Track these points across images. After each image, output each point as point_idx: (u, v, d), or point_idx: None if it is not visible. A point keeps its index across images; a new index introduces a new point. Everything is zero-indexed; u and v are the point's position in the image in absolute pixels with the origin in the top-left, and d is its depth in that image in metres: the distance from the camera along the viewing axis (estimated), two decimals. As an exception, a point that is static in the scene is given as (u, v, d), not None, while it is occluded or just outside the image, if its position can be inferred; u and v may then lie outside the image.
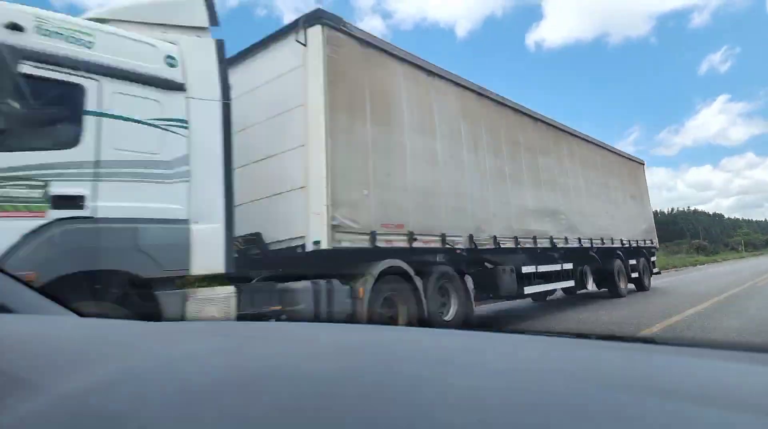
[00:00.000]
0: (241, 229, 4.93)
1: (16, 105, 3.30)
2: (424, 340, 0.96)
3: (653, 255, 13.71)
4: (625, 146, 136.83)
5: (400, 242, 5.93)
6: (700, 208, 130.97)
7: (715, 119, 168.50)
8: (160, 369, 0.68)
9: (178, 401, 0.54)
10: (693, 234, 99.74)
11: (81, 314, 1.29)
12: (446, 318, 6.51)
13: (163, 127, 4.09)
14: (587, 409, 0.45)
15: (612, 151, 12.86)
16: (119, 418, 0.51)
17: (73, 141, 3.64)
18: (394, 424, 0.43)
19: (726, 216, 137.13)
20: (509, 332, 1.06)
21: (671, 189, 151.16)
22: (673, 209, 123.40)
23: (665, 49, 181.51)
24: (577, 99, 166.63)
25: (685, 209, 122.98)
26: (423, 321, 5.64)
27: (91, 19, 4.11)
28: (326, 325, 1.39)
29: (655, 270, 13.56)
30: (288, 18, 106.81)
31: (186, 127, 4.22)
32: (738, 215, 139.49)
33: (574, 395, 0.49)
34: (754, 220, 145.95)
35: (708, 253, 35.23)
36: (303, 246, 5.14)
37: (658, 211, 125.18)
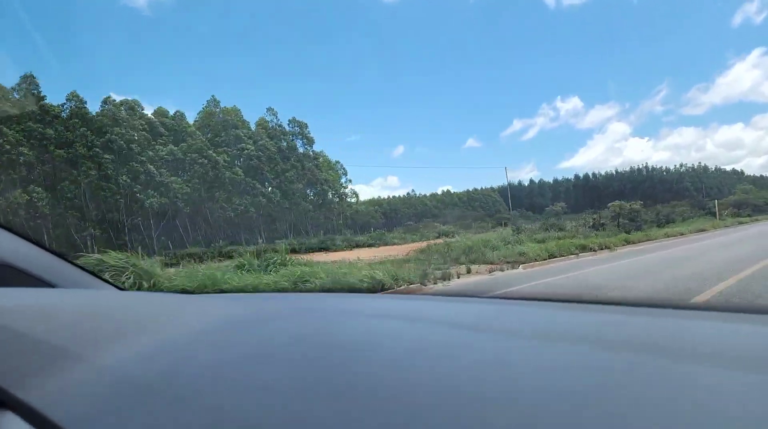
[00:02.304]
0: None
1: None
2: (453, 307, 0.98)
3: None
4: (653, 106, 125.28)
5: None
6: (730, 167, 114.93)
7: (748, 74, 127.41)
8: (195, 340, 0.72)
9: (211, 370, 0.58)
10: (703, 193, 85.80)
11: (120, 288, 1.34)
12: None
13: None
14: (621, 374, 0.47)
15: None
16: (156, 386, 0.55)
17: None
18: (425, 390, 0.46)
19: (748, 173, 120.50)
20: (545, 300, 1.08)
21: (700, 149, 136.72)
22: (681, 166, 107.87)
23: (695, 0, 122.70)
24: (602, 57, 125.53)
25: (695, 166, 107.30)
26: None
27: None
28: (353, 295, 1.50)
29: None
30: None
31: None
32: None
33: (605, 362, 0.51)
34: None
35: (639, 226, 21.78)
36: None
37: (664, 168, 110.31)
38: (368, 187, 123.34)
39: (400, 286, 8.13)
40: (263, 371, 0.56)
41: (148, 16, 74.42)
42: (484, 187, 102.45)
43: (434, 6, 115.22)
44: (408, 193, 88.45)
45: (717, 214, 28.78)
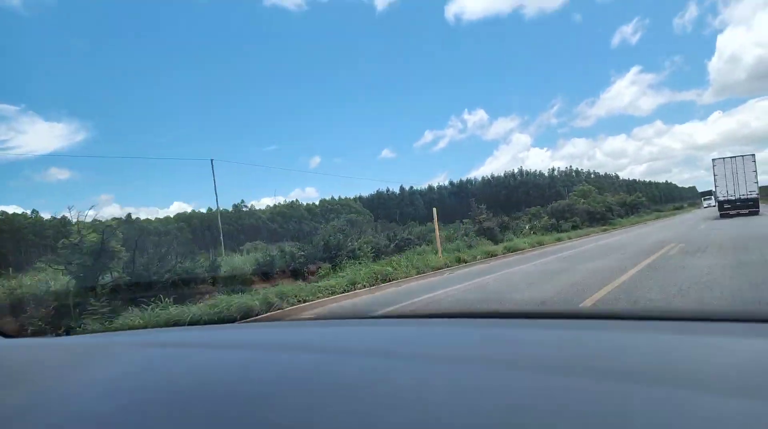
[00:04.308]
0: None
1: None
2: (322, 333, 0.97)
3: None
4: (549, 118, 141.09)
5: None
6: (603, 172, 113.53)
7: (627, 90, 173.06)
8: (84, 389, 0.70)
9: (98, 421, 0.57)
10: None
11: (6, 335, 1.33)
12: None
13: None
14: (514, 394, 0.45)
15: None
16: None
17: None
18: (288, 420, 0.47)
19: (624, 177, 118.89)
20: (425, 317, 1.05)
21: (591, 158, 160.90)
22: (553, 170, 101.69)
23: (579, 21, 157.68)
24: (501, 72, 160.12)
25: (566, 170, 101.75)
26: None
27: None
28: (217, 328, 1.43)
29: None
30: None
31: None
32: (650, 179, 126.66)
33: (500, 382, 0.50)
34: (660, 182, 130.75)
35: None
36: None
37: (538, 172, 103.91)
38: (286, 198, 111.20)
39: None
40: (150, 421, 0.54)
41: None
42: (342, 197, 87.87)
43: (341, 19, 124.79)
44: (236, 205, 71.00)
45: (438, 249, 14.12)
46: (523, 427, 0.39)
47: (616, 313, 0.81)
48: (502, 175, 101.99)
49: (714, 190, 27.07)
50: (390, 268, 10.69)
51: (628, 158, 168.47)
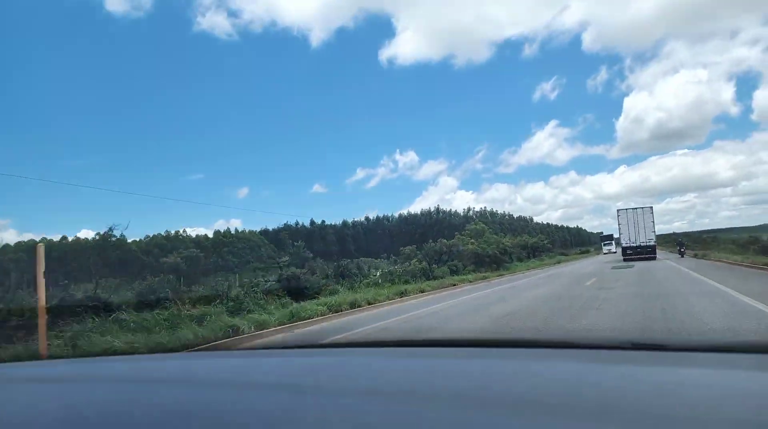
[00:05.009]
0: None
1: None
2: (276, 363, 0.96)
3: None
4: (475, 163, 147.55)
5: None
6: (517, 215, 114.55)
7: (546, 142, 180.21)
8: None
9: None
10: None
11: None
12: None
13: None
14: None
15: None
16: None
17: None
18: None
19: (540, 221, 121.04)
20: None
21: (512, 202, 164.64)
22: (468, 210, 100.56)
23: (504, 75, 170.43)
24: (431, 117, 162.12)
25: (482, 210, 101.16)
26: None
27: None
28: (152, 357, 1.39)
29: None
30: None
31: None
32: (564, 224, 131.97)
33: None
34: (572, 227, 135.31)
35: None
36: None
37: (453, 211, 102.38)
38: (207, 229, 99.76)
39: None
40: None
41: None
42: (242, 229, 78.93)
43: (274, 53, 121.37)
44: (100, 233, 59.65)
45: (41, 341, 7.31)
46: None
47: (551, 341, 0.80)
48: (419, 212, 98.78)
49: (619, 237, 29.53)
50: None
51: (546, 204, 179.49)
